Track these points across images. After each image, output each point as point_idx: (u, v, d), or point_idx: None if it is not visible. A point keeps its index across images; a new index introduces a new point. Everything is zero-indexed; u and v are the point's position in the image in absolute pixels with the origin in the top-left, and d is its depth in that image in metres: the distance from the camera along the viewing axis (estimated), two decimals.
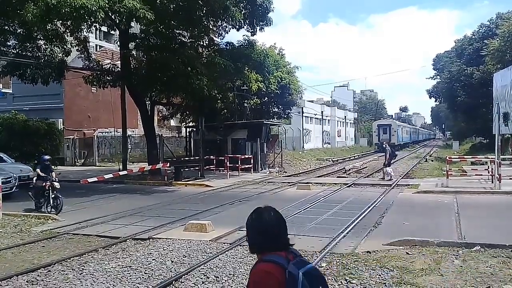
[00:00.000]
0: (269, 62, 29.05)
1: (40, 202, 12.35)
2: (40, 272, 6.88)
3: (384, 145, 22.34)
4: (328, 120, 62.07)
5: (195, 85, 18.43)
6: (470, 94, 36.64)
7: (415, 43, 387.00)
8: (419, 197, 14.77)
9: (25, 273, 6.79)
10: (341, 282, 6.21)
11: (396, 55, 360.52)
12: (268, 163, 28.77)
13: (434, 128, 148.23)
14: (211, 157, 24.34)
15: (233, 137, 26.91)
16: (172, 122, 39.71)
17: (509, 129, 15.25)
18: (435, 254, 7.38)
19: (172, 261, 7.40)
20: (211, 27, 22.63)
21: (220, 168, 24.18)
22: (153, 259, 7.53)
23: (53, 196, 12.07)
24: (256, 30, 21.26)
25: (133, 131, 34.97)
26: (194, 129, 28.76)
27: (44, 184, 12.12)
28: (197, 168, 22.48)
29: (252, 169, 24.38)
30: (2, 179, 12.26)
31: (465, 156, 27.68)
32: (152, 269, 6.99)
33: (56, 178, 12.48)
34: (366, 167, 29.51)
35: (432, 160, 35.72)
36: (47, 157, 13.29)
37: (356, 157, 43.73)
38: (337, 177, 23.53)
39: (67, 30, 18.99)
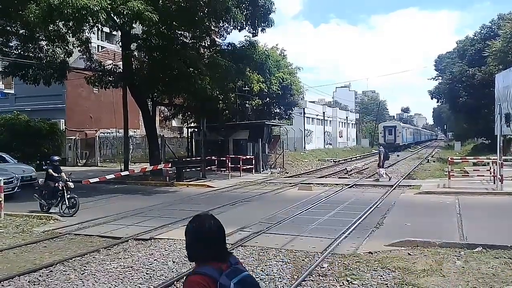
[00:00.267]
0: (270, 63, 29.07)
1: (51, 203, 12.16)
2: (42, 273, 6.89)
3: (379, 147, 22.84)
4: (330, 120, 62.11)
5: (198, 85, 18.43)
6: (472, 95, 36.60)
7: (416, 43, 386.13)
8: (421, 198, 14.74)
9: (27, 273, 6.80)
10: (342, 283, 6.21)
11: (397, 55, 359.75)
12: (270, 163, 28.77)
13: (436, 129, 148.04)
14: (213, 157, 24.37)
15: (234, 138, 26.93)
16: (174, 123, 39.71)
17: (511, 130, 15.24)
18: (437, 255, 7.37)
19: (174, 262, 7.41)
20: (212, 28, 22.65)
21: (221, 169, 24.20)
22: (154, 260, 7.54)
23: (68, 196, 11.92)
24: (258, 31, 21.27)
25: (135, 132, 35.02)
26: (196, 130, 28.79)
27: (56, 184, 12.00)
28: (199, 168, 22.49)
29: (253, 170, 24.38)
30: (4, 179, 12.27)
31: (467, 157, 27.65)
32: (154, 270, 6.99)
33: (69, 178, 12.41)
34: (367, 168, 29.46)
35: (434, 161, 35.68)
36: (56, 157, 13.34)
37: (357, 158, 43.69)
38: (339, 178, 23.52)
39: (69, 31, 18.99)
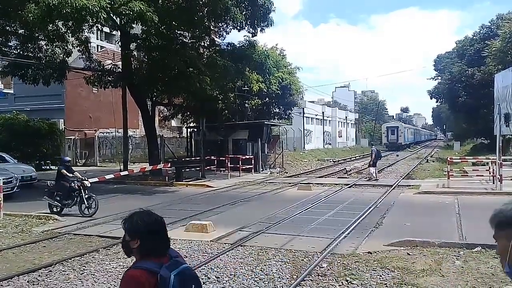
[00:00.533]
0: (270, 63, 29.06)
1: (67, 203, 11.88)
2: (41, 272, 6.88)
3: (372, 147, 23.25)
4: (329, 120, 62.16)
5: (197, 85, 18.42)
6: (471, 95, 36.60)
7: (416, 43, 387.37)
8: (420, 198, 14.76)
9: (26, 273, 6.79)
10: (342, 282, 6.21)
11: (397, 55, 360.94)
12: (269, 163, 28.77)
13: (435, 128, 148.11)
14: (212, 157, 24.36)
15: (234, 138, 26.93)
16: (173, 123, 39.68)
17: (510, 130, 15.25)
18: (436, 255, 7.38)
19: None
20: (212, 28, 22.64)
21: (221, 169, 24.18)
22: None
23: (86, 196, 11.65)
24: (257, 31, 21.26)
25: (134, 132, 34.98)
26: (195, 130, 28.78)
27: (71, 184, 11.74)
28: (198, 168, 22.49)
29: (253, 170, 24.38)
30: (3, 179, 12.26)
31: (466, 157, 27.66)
32: None
33: (85, 177, 12.18)
34: (367, 168, 29.44)
35: (433, 161, 35.68)
36: (68, 158, 13.37)
37: (357, 157, 43.69)
38: (338, 177, 23.51)
39: (68, 31, 19.01)
